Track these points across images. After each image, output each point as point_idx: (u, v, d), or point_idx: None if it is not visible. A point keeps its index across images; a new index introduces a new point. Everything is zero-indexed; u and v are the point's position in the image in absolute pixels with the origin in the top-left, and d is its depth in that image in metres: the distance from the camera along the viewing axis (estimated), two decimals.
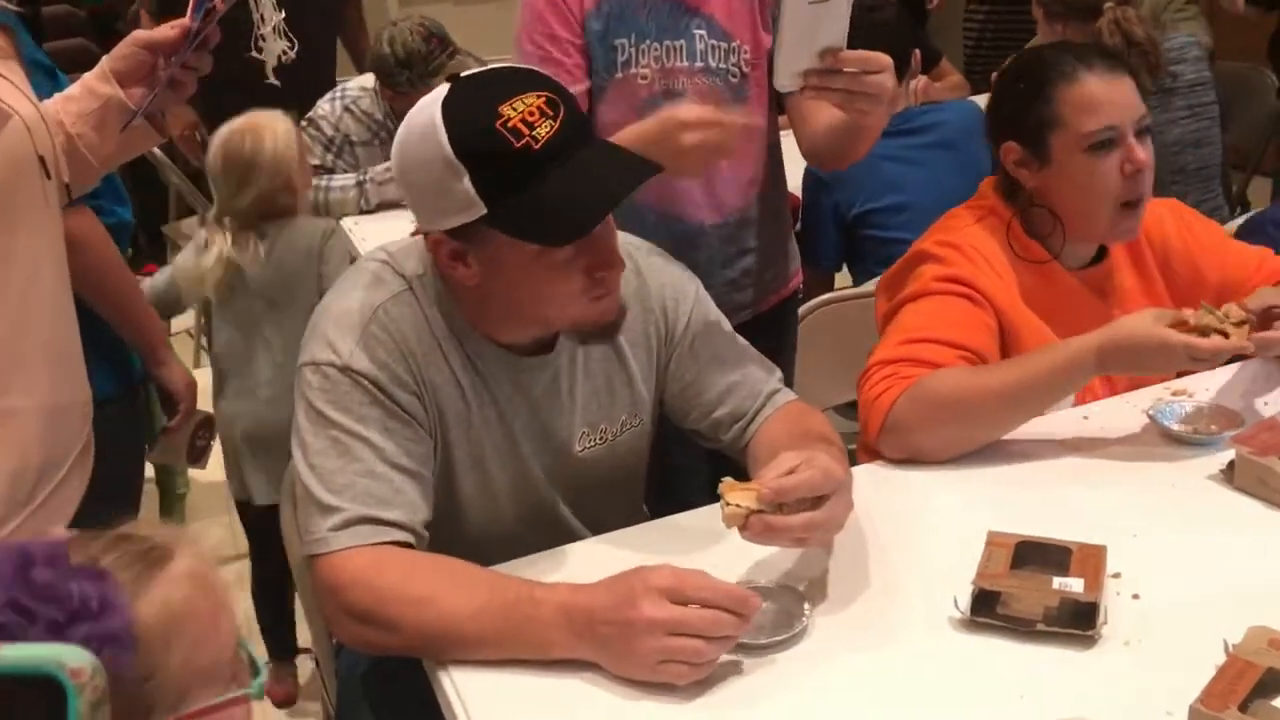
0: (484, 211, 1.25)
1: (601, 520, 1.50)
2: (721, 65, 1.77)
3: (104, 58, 1.43)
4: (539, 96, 1.25)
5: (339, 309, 1.35)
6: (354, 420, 1.30)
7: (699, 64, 1.76)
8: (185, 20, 1.35)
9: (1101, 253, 1.72)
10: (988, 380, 1.51)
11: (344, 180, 2.93)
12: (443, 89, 1.28)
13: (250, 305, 2.35)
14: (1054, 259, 1.67)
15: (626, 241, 1.50)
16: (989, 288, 1.62)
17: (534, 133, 1.22)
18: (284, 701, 2.59)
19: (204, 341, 2.61)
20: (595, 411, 1.46)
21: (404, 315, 1.35)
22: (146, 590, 0.80)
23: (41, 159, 1.35)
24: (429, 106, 1.26)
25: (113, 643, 0.75)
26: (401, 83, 2.90)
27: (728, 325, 1.54)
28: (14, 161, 1.32)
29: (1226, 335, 1.45)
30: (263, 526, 2.52)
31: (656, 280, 1.49)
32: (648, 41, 1.75)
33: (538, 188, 1.23)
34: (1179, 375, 1.70)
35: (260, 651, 2.70)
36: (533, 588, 1.21)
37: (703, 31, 1.76)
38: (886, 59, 1.40)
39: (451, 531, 1.40)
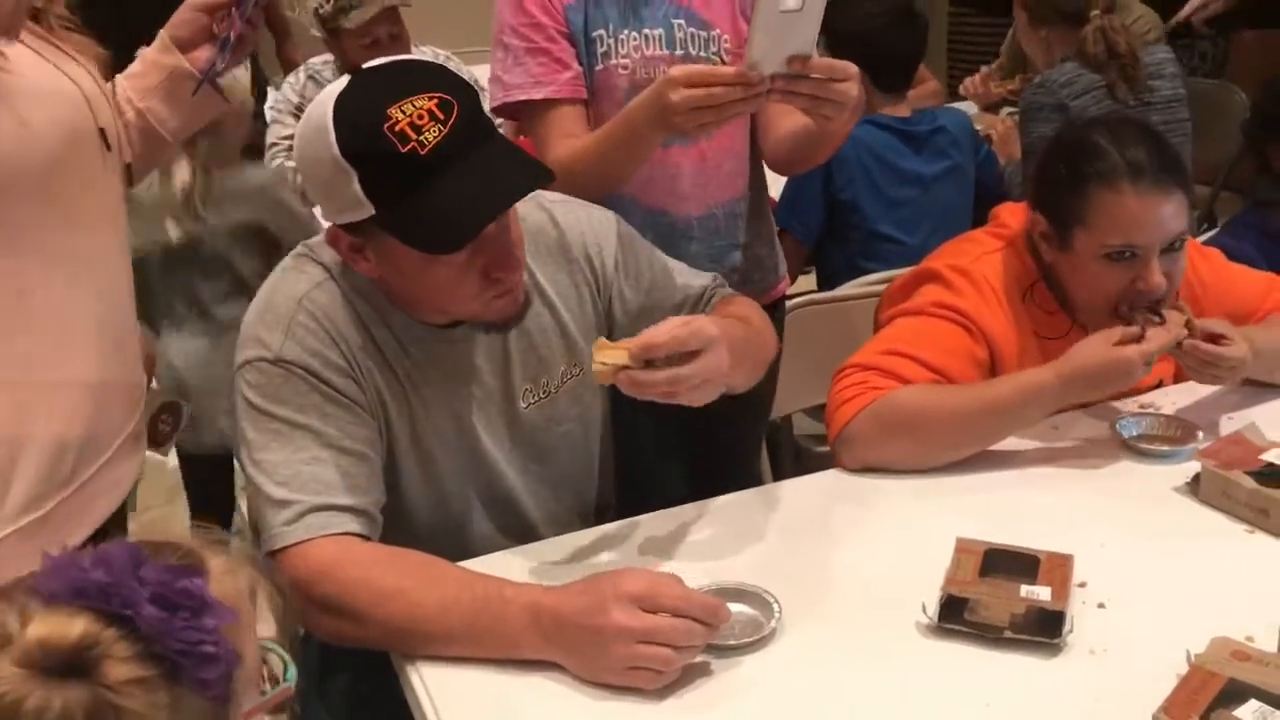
0: (373, 212, 1.24)
1: (556, 499, 1.50)
2: (701, 54, 1.76)
3: (162, 28, 1.42)
4: (431, 98, 1.22)
5: (264, 307, 1.35)
6: (293, 410, 1.30)
7: (679, 52, 1.75)
8: None
9: None
10: (950, 401, 1.53)
11: None
12: (342, 82, 1.27)
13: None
14: (1075, 326, 1.64)
15: (540, 196, 1.49)
16: (990, 326, 1.60)
17: (421, 137, 1.20)
18: None
19: None
20: (534, 366, 1.46)
21: (329, 302, 1.35)
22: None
23: (102, 131, 1.33)
24: (325, 102, 1.25)
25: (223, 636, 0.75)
26: (329, 16, 2.88)
27: (656, 250, 1.56)
28: (74, 133, 1.30)
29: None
30: (202, 478, 2.56)
31: (576, 230, 1.49)
32: (626, 31, 1.74)
33: (422, 194, 1.22)
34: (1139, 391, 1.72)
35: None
36: (502, 586, 1.21)
37: (680, 20, 1.76)
38: (853, 68, 1.40)
39: (401, 524, 1.39)
